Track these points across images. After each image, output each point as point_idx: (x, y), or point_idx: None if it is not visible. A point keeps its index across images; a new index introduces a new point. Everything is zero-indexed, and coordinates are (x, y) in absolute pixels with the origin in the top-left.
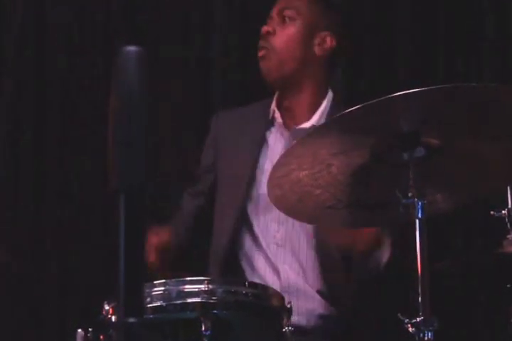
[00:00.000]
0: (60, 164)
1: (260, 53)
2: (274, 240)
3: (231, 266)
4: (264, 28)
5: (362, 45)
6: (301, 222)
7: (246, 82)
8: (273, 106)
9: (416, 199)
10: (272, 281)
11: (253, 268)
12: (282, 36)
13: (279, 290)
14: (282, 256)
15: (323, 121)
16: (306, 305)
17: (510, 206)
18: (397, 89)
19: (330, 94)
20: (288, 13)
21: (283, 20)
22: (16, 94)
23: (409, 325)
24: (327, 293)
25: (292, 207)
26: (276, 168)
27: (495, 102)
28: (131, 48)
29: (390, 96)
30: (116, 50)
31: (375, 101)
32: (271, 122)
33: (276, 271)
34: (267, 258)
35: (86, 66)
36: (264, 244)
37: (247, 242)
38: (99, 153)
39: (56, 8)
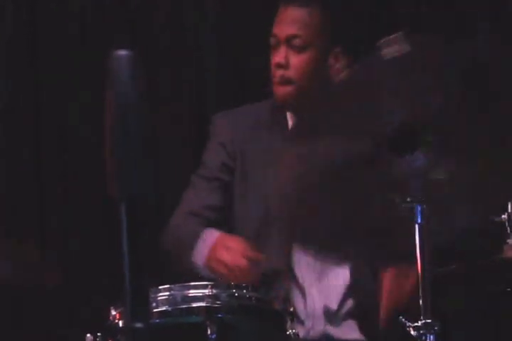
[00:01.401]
0: (61, 169)
1: (282, 90)
2: (305, 259)
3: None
4: (276, 60)
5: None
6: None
7: (239, 76)
8: (289, 115)
9: (415, 204)
10: (298, 305)
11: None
12: (298, 68)
13: (304, 313)
14: (310, 279)
15: None
16: (331, 330)
17: (510, 210)
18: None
19: None
20: (297, 42)
21: (294, 48)
22: (12, 96)
23: (410, 328)
24: (357, 318)
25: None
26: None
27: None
28: (123, 53)
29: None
30: (109, 49)
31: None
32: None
33: (303, 294)
34: (296, 280)
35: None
36: (294, 264)
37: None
38: (100, 157)
39: (47, 5)
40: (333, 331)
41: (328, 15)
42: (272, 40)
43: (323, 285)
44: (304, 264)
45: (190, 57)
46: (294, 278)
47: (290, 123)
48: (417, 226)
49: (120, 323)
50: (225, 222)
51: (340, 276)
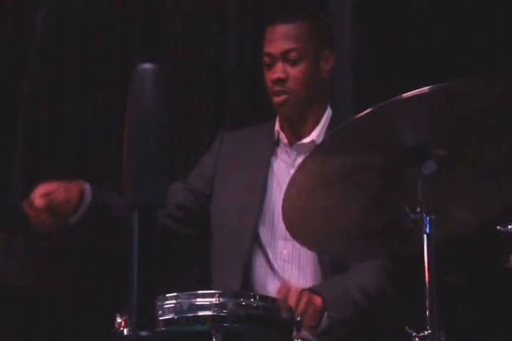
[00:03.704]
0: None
1: (279, 99)
2: (281, 256)
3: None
4: (275, 76)
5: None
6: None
7: (259, 91)
8: (277, 127)
9: (424, 214)
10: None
11: (262, 283)
12: (296, 79)
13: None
14: (290, 272)
15: (322, 136)
16: None
17: None
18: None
19: (329, 109)
20: (293, 55)
21: (289, 62)
22: (32, 104)
23: (416, 339)
24: None
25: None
26: (286, 199)
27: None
28: (147, 66)
29: (383, 103)
30: (132, 63)
31: (363, 113)
32: (276, 143)
33: (279, 279)
34: (276, 273)
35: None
36: (272, 260)
37: (258, 259)
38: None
39: (73, 25)
40: None
41: (314, 24)
42: (266, 59)
43: (302, 278)
44: (283, 259)
45: (211, 70)
46: (275, 272)
47: (277, 133)
48: (425, 236)
49: (125, 331)
50: (191, 224)
51: (315, 269)
